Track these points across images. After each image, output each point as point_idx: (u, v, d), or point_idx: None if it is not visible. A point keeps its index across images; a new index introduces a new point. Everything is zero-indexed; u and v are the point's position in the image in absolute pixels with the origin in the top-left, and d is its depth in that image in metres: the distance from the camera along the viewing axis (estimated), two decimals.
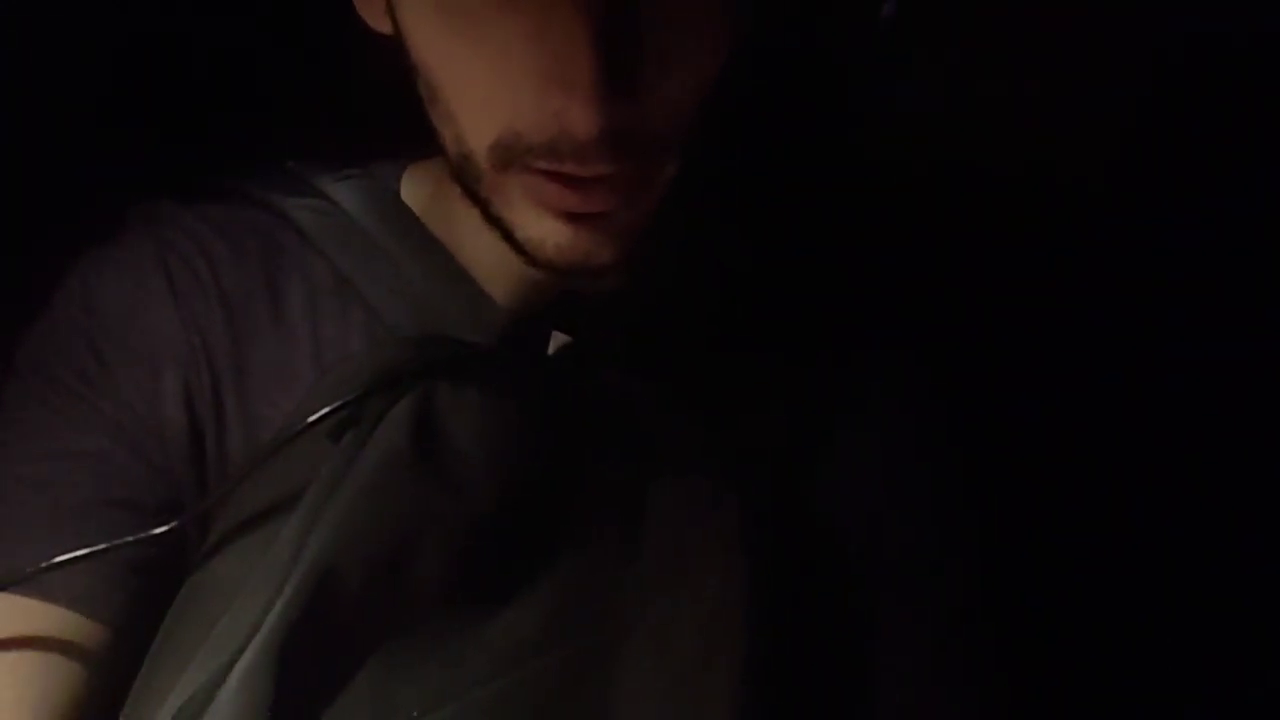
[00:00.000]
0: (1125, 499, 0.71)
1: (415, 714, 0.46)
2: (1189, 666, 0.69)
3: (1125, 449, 0.71)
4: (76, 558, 0.49)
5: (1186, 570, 0.69)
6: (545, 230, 0.50)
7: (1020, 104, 0.70)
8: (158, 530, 0.50)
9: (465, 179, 0.51)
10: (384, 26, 0.52)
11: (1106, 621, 0.69)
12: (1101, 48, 0.68)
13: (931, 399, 0.60)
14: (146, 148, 0.62)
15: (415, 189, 0.60)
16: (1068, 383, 0.71)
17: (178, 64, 0.65)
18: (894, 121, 0.71)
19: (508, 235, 0.51)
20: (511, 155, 0.48)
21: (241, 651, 0.44)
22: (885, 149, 0.71)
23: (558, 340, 0.55)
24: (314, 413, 0.48)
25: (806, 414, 0.58)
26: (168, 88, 0.65)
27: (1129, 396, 0.71)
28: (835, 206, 0.69)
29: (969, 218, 0.70)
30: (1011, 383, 0.66)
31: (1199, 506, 0.69)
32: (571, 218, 0.49)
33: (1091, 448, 0.71)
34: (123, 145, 0.62)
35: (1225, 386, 0.70)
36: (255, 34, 0.66)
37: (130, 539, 0.49)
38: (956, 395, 0.61)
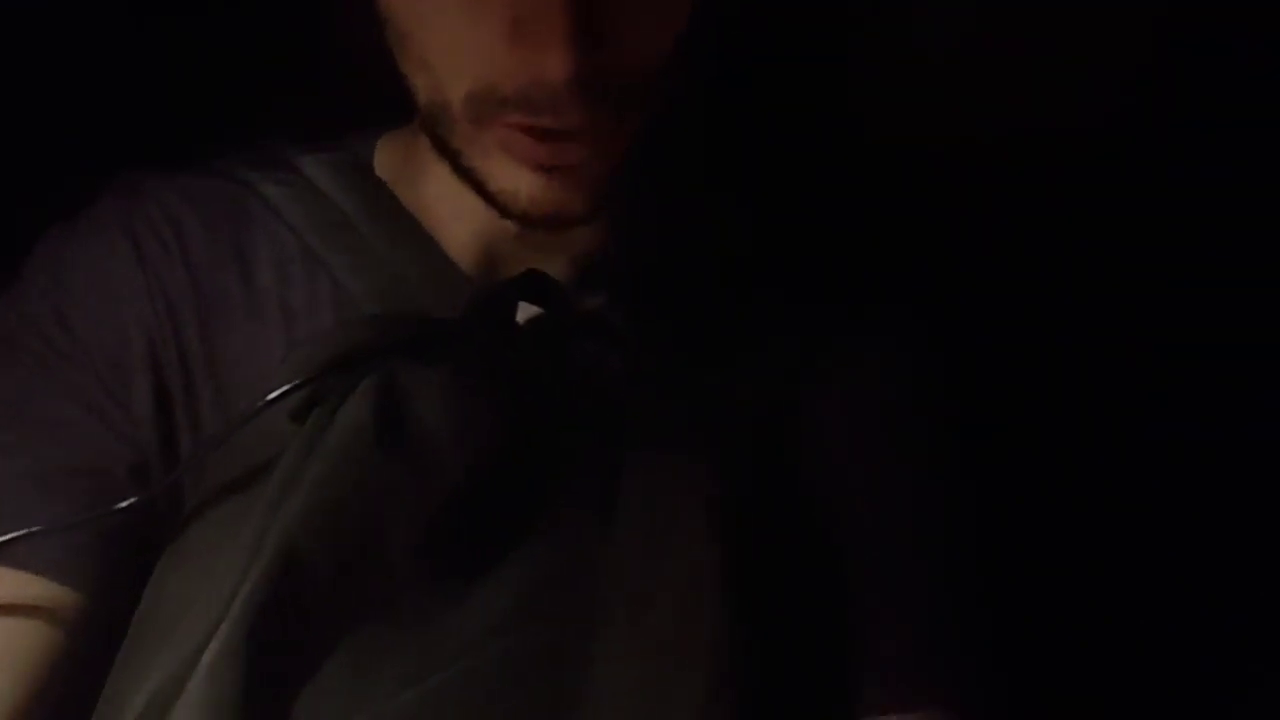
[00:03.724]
0: (1120, 464, 0.70)
1: (390, 692, 0.46)
2: (1181, 641, 0.69)
3: (1123, 412, 0.71)
4: (49, 530, 0.49)
5: (1180, 544, 0.69)
6: (519, 182, 0.50)
7: (1025, 55, 0.68)
8: (126, 503, 0.50)
9: (437, 130, 0.52)
10: None
11: (1093, 582, 0.69)
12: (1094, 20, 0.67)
13: (919, 363, 0.60)
14: (126, 124, 0.62)
15: (387, 158, 0.60)
16: (1063, 343, 0.70)
17: (159, 43, 0.65)
18: (894, 77, 0.70)
19: (479, 187, 0.52)
20: (486, 108, 0.49)
21: (211, 636, 0.45)
22: (881, 108, 0.70)
23: (526, 312, 0.54)
24: (277, 390, 0.48)
25: (787, 378, 0.57)
26: (148, 66, 0.65)
27: (1127, 359, 0.70)
28: (824, 167, 0.69)
29: (967, 176, 0.70)
30: (1006, 344, 0.66)
31: (1194, 477, 0.69)
32: (544, 169, 0.50)
33: (1087, 410, 0.70)
34: (98, 122, 0.62)
35: (1218, 355, 0.69)
36: (236, 9, 0.65)
37: (99, 513, 0.50)
38: (948, 357, 0.61)
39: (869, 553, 0.55)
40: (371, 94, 0.55)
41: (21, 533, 0.49)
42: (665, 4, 0.50)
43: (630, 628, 0.48)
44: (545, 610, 0.48)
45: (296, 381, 0.48)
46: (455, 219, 0.57)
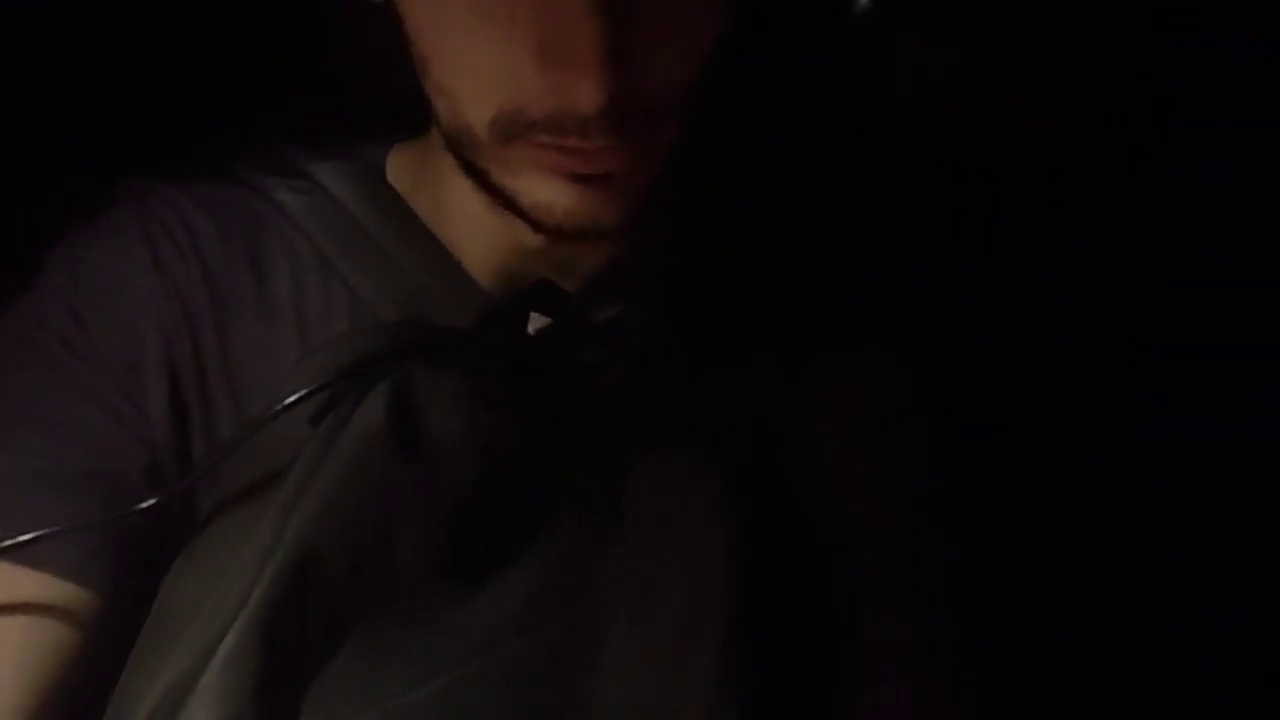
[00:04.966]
0: (1120, 464, 0.70)
1: (399, 692, 0.47)
2: (1181, 641, 0.69)
3: (1123, 412, 0.71)
4: (66, 530, 0.50)
5: (1180, 545, 0.69)
6: (552, 194, 0.50)
7: (1024, 57, 0.69)
8: (143, 505, 0.50)
9: (462, 151, 0.51)
10: None
11: (1094, 582, 0.69)
12: (1091, 25, 0.67)
13: (919, 364, 0.60)
14: (137, 130, 0.62)
15: (400, 168, 0.60)
16: (1063, 344, 0.71)
17: (169, 48, 0.65)
18: (887, 96, 0.70)
19: (510, 203, 0.51)
20: (513, 130, 0.49)
21: (225, 633, 0.45)
22: (879, 122, 0.70)
23: (537, 321, 0.55)
24: (292, 395, 0.49)
25: (789, 382, 0.58)
26: (159, 71, 0.65)
27: (1127, 359, 0.71)
28: (825, 171, 0.69)
29: (966, 178, 0.70)
30: (1005, 345, 0.66)
31: (1194, 477, 0.69)
32: (578, 180, 0.50)
33: (1087, 411, 0.71)
34: (113, 127, 0.62)
35: (1218, 355, 0.69)
36: (245, 14, 0.65)
37: (118, 515, 0.50)
38: (948, 358, 0.61)
39: (870, 555, 0.55)
40: (378, 99, 0.55)
41: (39, 533, 0.49)
42: (693, 27, 0.50)
43: (636, 630, 0.49)
44: (552, 612, 0.49)
45: (313, 386, 0.48)
46: (469, 231, 0.57)
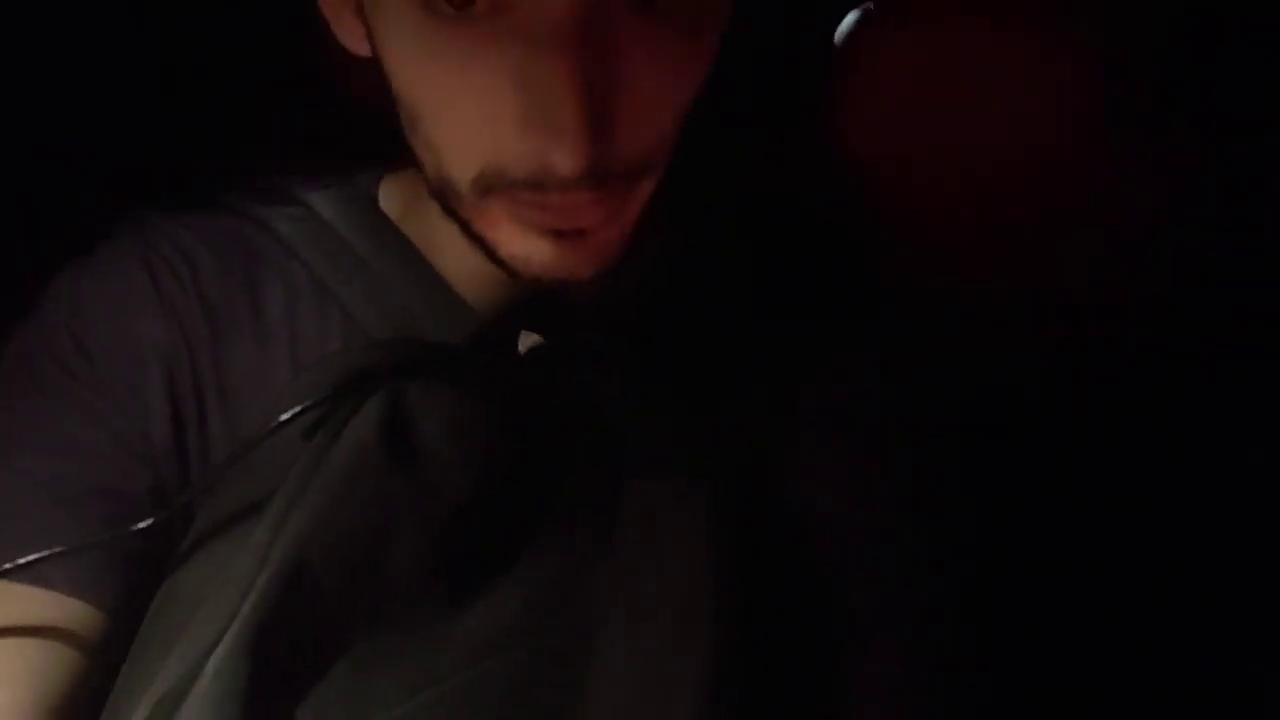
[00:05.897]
0: (1120, 465, 0.70)
1: (392, 703, 0.47)
2: (1181, 641, 0.69)
3: (1123, 413, 0.71)
4: (74, 549, 0.51)
5: (1180, 545, 0.69)
6: (529, 248, 0.51)
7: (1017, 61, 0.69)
8: (145, 523, 0.51)
9: (446, 200, 0.52)
10: (363, 50, 0.53)
11: (1094, 582, 0.69)
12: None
13: (913, 380, 0.61)
14: (136, 160, 0.63)
15: (392, 196, 0.61)
16: (1055, 353, 0.71)
17: (166, 80, 0.66)
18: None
19: (490, 253, 0.52)
20: (495, 187, 0.49)
21: (215, 645, 0.46)
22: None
23: (528, 339, 0.55)
24: (287, 411, 0.50)
25: (783, 400, 0.58)
26: (157, 102, 0.66)
27: (1128, 359, 0.71)
28: (812, 202, 0.69)
29: (961, 181, 0.70)
30: (997, 361, 0.66)
31: (1194, 478, 0.69)
32: (555, 235, 0.50)
33: (1087, 411, 0.71)
34: (111, 158, 0.63)
35: (1218, 355, 0.69)
36: (241, 49, 0.66)
37: (128, 530, 0.51)
38: (940, 376, 0.61)
39: (860, 573, 0.55)
40: (371, 125, 0.56)
41: (47, 553, 0.50)
42: (672, 88, 0.50)
43: (627, 643, 0.49)
44: (545, 623, 0.49)
45: (307, 402, 0.49)
46: (461, 258, 0.57)
